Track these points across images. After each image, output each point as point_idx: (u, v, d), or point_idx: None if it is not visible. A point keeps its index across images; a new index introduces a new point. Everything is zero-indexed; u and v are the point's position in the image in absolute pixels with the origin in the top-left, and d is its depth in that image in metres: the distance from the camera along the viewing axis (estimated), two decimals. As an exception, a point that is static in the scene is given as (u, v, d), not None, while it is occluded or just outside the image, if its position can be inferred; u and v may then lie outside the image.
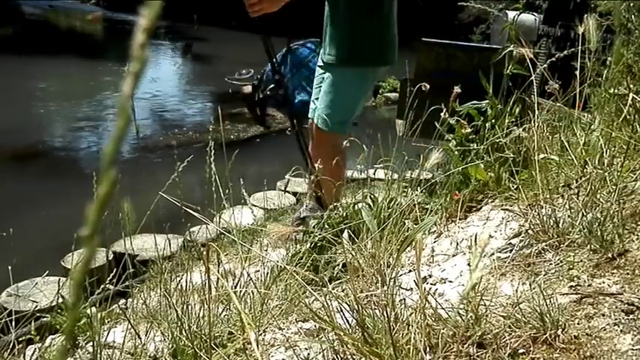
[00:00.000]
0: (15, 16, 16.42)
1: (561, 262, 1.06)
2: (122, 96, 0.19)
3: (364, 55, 2.29)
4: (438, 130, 1.79)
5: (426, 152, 1.63)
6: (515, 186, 1.44)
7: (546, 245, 1.13)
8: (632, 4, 1.77)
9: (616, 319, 0.87)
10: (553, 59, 1.63)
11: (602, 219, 1.08)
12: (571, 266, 1.02)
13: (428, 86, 1.80)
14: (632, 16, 1.73)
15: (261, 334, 1.18)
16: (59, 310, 1.66)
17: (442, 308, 0.94)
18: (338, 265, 1.45)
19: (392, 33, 2.33)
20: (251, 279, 1.37)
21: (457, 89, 1.79)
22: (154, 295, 1.83)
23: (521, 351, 0.85)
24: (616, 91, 1.51)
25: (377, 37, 2.29)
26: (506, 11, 3.55)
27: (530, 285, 1.01)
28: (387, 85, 9.28)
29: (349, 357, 0.91)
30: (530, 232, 1.21)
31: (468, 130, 1.72)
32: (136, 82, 0.20)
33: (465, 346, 0.87)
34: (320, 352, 0.96)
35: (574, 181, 1.30)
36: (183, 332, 1.13)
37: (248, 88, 2.22)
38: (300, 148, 2.39)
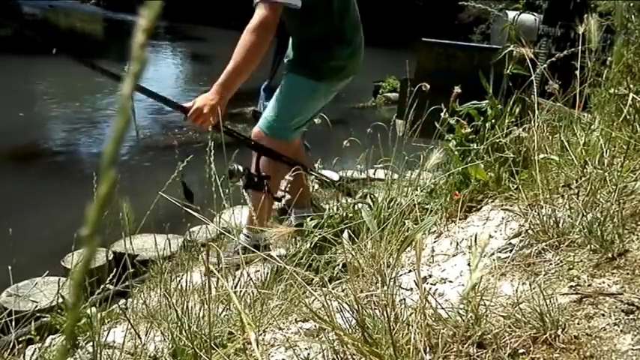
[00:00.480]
0: (15, 16, 16.42)
1: (561, 262, 1.06)
2: (122, 96, 0.19)
3: (318, 71, 2.21)
4: (438, 130, 1.79)
5: (426, 152, 1.63)
6: (515, 186, 1.44)
7: (546, 245, 1.13)
8: (632, 4, 1.77)
9: (616, 319, 0.87)
10: (553, 59, 1.63)
11: (602, 219, 1.08)
12: (571, 266, 1.02)
13: (428, 86, 1.80)
14: (633, 16, 1.73)
15: (261, 334, 1.18)
16: (59, 310, 1.66)
17: (442, 308, 0.94)
18: (338, 265, 1.45)
19: (350, 50, 2.25)
20: (251, 279, 1.37)
21: (457, 89, 1.79)
22: (153, 295, 1.83)
23: (521, 351, 0.85)
24: (616, 91, 1.51)
25: (332, 58, 2.22)
26: (506, 11, 3.55)
27: (530, 285, 1.01)
28: (387, 85, 9.28)
29: (349, 357, 0.91)
30: (530, 232, 1.21)
31: (468, 130, 1.72)
32: (136, 83, 0.20)
33: (465, 346, 0.87)
34: (320, 352, 0.96)
35: (574, 181, 1.30)
36: (184, 332, 1.13)
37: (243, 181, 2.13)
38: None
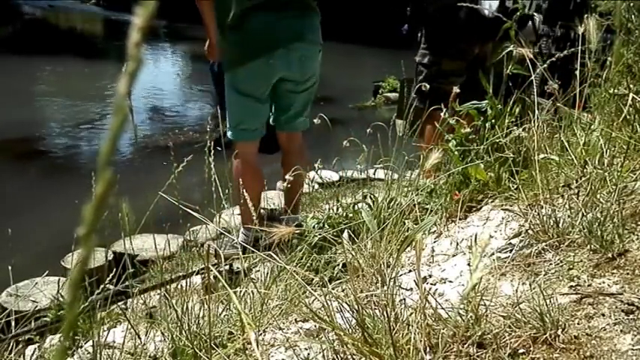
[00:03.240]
0: (15, 16, 16.41)
1: (561, 262, 1.06)
2: (118, 95, 0.19)
3: (228, 58, 2.35)
4: (438, 130, 1.79)
5: (425, 152, 1.63)
6: (515, 186, 1.44)
7: (546, 245, 1.13)
8: (632, 4, 1.76)
9: (616, 319, 0.87)
10: (553, 59, 1.63)
11: (602, 219, 1.08)
12: (571, 266, 1.02)
13: (428, 86, 1.80)
14: (632, 16, 1.73)
15: (261, 334, 1.18)
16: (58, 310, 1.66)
17: (442, 308, 0.94)
18: (338, 265, 1.45)
19: (258, 27, 2.28)
20: (251, 279, 1.36)
21: (456, 89, 1.79)
22: (154, 295, 1.83)
23: (521, 351, 0.85)
24: (616, 91, 1.51)
25: (238, 38, 2.30)
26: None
27: (530, 285, 1.01)
28: (387, 85, 9.27)
29: (349, 357, 0.91)
30: (530, 232, 1.21)
31: (468, 130, 1.72)
32: (132, 82, 0.20)
33: (465, 346, 0.87)
34: (320, 353, 0.96)
35: (574, 181, 1.30)
36: (183, 332, 1.13)
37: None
38: None
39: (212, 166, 1.62)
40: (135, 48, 0.19)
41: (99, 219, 0.21)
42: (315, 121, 2.38)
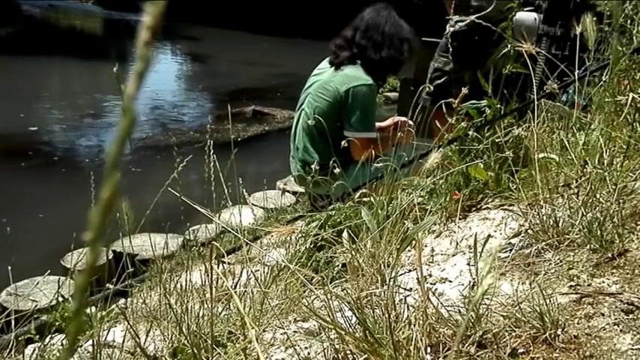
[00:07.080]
0: (15, 16, 16.40)
1: (561, 261, 1.06)
2: (126, 96, 0.19)
3: None
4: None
5: (426, 152, 1.63)
6: (515, 186, 1.44)
7: (546, 245, 1.13)
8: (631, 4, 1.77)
9: (616, 319, 0.87)
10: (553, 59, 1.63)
11: (601, 219, 1.08)
12: (571, 266, 1.02)
13: (432, 87, 1.80)
14: (632, 17, 1.73)
15: (261, 334, 1.18)
16: (59, 310, 1.65)
17: (443, 306, 0.95)
18: (337, 265, 1.45)
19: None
20: (255, 277, 1.36)
21: (465, 90, 1.78)
22: (153, 294, 1.83)
23: (521, 350, 0.85)
24: (616, 91, 1.52)
25: None
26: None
27: (530, 285, 1.01)
28: (386, 84, 9.25)
29: (349, 355, 0.91)
30: (529, 231, 1.21)
31: (464, 124, 1.71)
32: (141, 82, 0.19)
33: (465, 345, 0.87)
34: (320, 352, 0.96)
35: (574, 181, 1.30)
36: (183, 332, 1.13)
37: None
38: None
39: (212, 165, 1.62)
40: (144, 47, 0.19)
41: (106, 223, 0.21)
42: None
